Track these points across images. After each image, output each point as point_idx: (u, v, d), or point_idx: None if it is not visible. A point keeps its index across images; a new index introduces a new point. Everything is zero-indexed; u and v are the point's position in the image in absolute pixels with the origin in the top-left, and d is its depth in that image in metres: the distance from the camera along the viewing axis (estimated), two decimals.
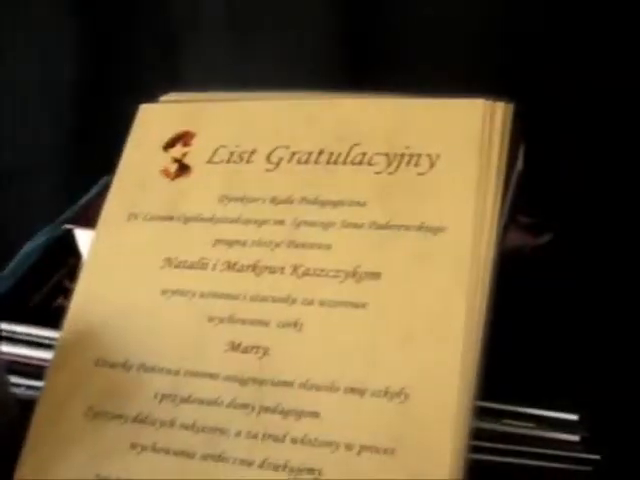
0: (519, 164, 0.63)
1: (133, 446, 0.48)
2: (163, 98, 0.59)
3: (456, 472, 0.44)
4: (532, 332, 0.54)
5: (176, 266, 0.52)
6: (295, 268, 0.50)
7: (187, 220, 0.54)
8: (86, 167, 0.68)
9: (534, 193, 0.60)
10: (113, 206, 0.56)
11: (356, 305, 0.48)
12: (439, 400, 0.45)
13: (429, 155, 0.52)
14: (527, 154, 0.62)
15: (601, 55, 0.77)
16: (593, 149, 0.74)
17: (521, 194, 0.59)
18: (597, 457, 0.49)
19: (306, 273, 0.50)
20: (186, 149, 0.56)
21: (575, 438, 0.49)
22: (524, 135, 0.62)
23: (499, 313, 0.49)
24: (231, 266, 0.51)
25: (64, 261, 0.61)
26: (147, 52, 0.83)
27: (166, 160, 0.56)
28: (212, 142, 0.56)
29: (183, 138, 0.57)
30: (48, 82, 0.87)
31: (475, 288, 0.48)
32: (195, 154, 0.56)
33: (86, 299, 0.53)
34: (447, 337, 0.46)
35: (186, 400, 0.49)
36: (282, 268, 0.50)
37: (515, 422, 0.49)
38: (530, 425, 0.49)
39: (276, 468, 0.46)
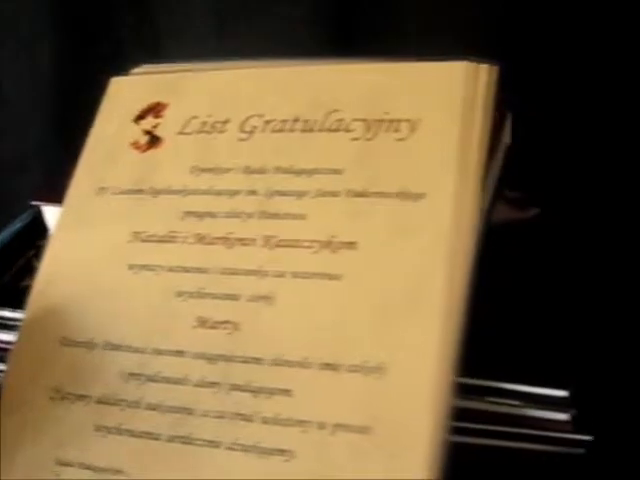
0: (506, 138, 0.60)
1: (97, 428, 0.46)
2: (134, 70, 0.57)
3: (435, 452, 0.41)
4: (519, 306, 0.51)
5: (144, 240, 0.50)
6: (267, 240, 0.47)
7: (157, 193, 0.51)
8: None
9: (522, 167, 0.57)
10: (81, 181, 0.53)
11: (330, 277, 0.46)
12: (417, 376, 0.43)
13: (409, 120, 0.49)
14: (515, 128, 0.59)
15: (592, 29, 0.74)
16: (582, 124, 0.72)
17: (509, 168, 0.57)
18: (589, 438, 0.46)
19: (279, 244, 0.47)
20: (157, 120, 0.54)
21: (565, 417, 0.46)
22: (512, 109, 0.60)
23: (484, 287, 0.46)
24: (201, 239, 0.49)
25: (34, 242, 0.59)
26: (129, 31, 0.81)
27: (137, 132, 0.54)
28: (184, 113, 0.53)
29: (154, 109, 0.54)
30: (30, 73, 0.85)
31: (456, 258, 0.45)
32: (166, 125, 0.53)
33: (51, 277, 0.51)
34: (425, 310, 0.44)
35: (152, 379, 0.46)
36: (254, 240, 0.48)
37: (500, 400, 0.46)
38: (516, 403, 0.46)
39: (245, 449, 0.43)
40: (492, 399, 0.47)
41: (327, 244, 0.46)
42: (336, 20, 0.81)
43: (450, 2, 0.74)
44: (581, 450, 0.46)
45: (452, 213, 0.46)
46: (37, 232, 0.59)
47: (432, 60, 0.52)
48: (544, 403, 0.46)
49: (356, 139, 0.49)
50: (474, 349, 0.44)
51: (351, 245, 0.46)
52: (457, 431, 0.46)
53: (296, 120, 0.51)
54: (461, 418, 0.46)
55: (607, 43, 0.74)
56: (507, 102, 0.59)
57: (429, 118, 0.49)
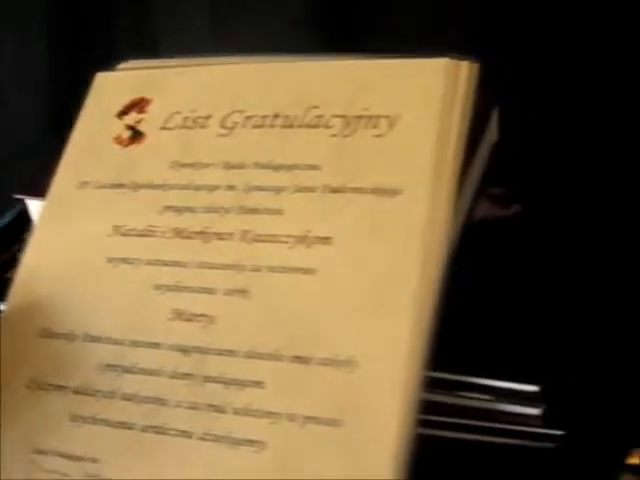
0: (492, 134, 0.60)
1: (73, 418, 0.47)
2: (120, 66, 0.58)
3: (402, 445, 0.42)
4: (494, 302, 0.51)
5: (124, 234, 0.50)
6: (244, 234, 0.48)
7: (137, 187, 0.52)
8: None
9: (507, 164, 0.58)
10: (64, 175, 0.54)
11: (305, 271, 0.46)
12: (387, 370, 0.43)
13: (388, 116, 0.49)
14: (502, 125, 0.59)
15: (575, 27, 0.74)
16: (564, 122, 0.72)
17: (496, 165, 0.57)
18: (560, 432, 0.46)
19: (255, 239, 0.48)
20: (141, 116, 0.54)
21: (535, 412, 0.46)
22: (499, 106, 0.60)
23: (461, 282, 0.47)
24: (179, 233, 0.49)
25: (19, 235, 0.60)
26: (126, 31, 0.82)
27: (120, 127, 0.54)
28: (167, 108, 0.54)
29: (138, 105, 0.55)
30: (26, 73, 0.86)
31: (429, 254, 0.45)
32: (150, 121, 0.54)
33: (32, 269, 0.51)
34: (397, 305, 0.44)
35: (128, 370, 0.47)
36: (231, 234, 0.48)
37: (471, 394, 0.47)
38: (487, 398, 0.46)
39: (216, 440, 0.44)
40: (464, 393, 0.47)
41: (302, 239, 0.47)
42: (330, 19, 0.81)
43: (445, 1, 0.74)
44: (552, 445, 0.46)
45: (427, 210, 0.46)
46: (22, 226, 0.59)
47: (418, 57, 0.52)
48: (515, 398, 0.46)
49: (335, 135, 0.50)
50: (448, 344, 0.44)
51: (326, 240, 0.47)
52: (429, 425, 0.46)
53: (276, 116, 0.51)
54: (434, 412, 0.46)
55: (589, 40, 0.74)
56: (493, 99, 0.59)
57: (408, 114, 0.49)
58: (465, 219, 0.55)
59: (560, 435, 0.46)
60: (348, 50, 0.76)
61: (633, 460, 0.44)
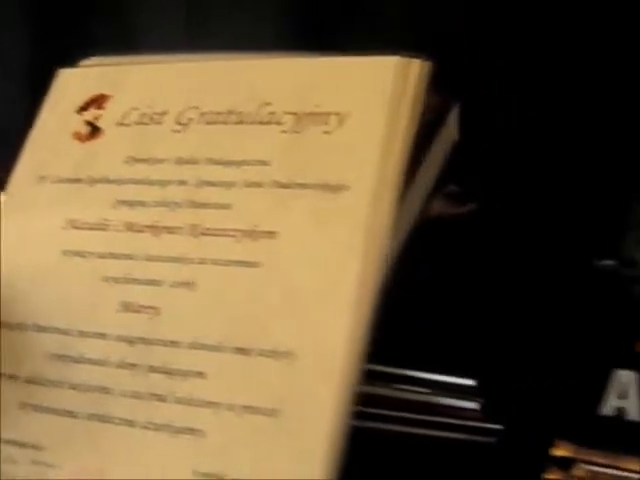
0: (451, 133, 0.61)
1: (22, 406, 0.48)
2: (83, 62, 0.59)
3: (339, 436, 0.42)
4: (435, 298, 0.52)
5: (78, 227, 0.51)
6: (193, 228, 0.49)
7: (93, 182, 0.53)
8: None
9: (462, 162, 0.58)
10: (23, 169, 0.55)
11: (249, 264, 0.47)
12: (325, 362, 0.44)
13: (338, 114, 0.50)
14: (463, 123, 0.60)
15: (532, 24, 0.75)
16: (520, 122, 0.73)
17: (456, 163, 0.58)
18: (499, 427, 0.47)
19: (204, 233, 0.49)
20: (100, 112, 0.55)
21: (474, 406, 0.47)
22: (461, 105, 0.60)
23: (403, 277, 0.48)
24: (130, 227, 0.50)
25: None
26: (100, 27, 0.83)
27: (79, 123, 0.55)
28: (125, 105, 0.55)
29: (97, 101, 0.56)
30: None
31: (371, 250, 0.46)
32: (108, 117, 0.55)
33: None
34: (337, 299, 0.45)
35: (76, 360, 0.48)
36: (180, 228, 0.49)
37: (410, 388, 0.47)
38: (426, 391, 0.47)
39: (158, 428, 0.45)
40: (404, 386, 0.48)
41: (249, 233, 0.48)
42: (304, 16, 0.82)
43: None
44: (492, 439, 0.47)
45: (370, 206, 0.47)
46: None
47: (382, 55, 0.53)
48: (454, 392, 0.47)
49: (285, 132, 0.50)
50: (389, 337, 0.45)
51: (271, 234, 0.47)
52: (369, 417, 0.47)
53: (230, 113, 0.52)
54: (373, 404, 0.47)
55: (551, 41, 0.75)
56: (453, 98, 0.60)
57: (357, 112, 0.50)
58: (419, 216, 0.56)
59: (498, 429, 0.47)
60: (320, 47, 0.77)
61: (557, 452, 0.44)
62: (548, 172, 0.64)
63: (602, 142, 0.65)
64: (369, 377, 0.45)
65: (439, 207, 0.58)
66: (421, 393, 0.47)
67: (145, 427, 0.45)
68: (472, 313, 0.51)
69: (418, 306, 0.50)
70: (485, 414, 0.46)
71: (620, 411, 0.45)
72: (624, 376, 0.45)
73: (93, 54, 0.65)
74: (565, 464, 0.42)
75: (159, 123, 0.53)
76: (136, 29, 0.83)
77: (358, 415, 0.43)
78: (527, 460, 0.45)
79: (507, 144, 0.69)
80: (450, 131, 0.60)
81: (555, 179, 0.62)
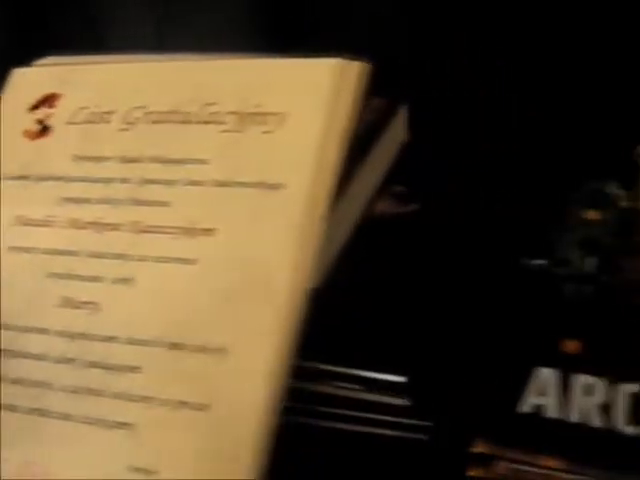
0: (399, 134, 0.62)
1: None
2: (37, 62, 0.59)
3: (267, 431, 0.43)
4: (363, 295, 0.53)
5: (25, 224, 0.52)
6: (134, 225, 0.50)
7: (41, 179, 0.53)
8: None
9: (409, 163, 0.59)
10: None
11: (187, 261, 0.48)
12: (255, 359, 0.45)
13: (278, 114, 0.51)
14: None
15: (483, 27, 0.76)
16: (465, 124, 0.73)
17: (401, 164, 0.58)
18: (428, 424, 0.47)
19: (144, 230, 0.50)
20: (51, 111, 0.56)
21: (404, 402, 0.47)
22: (410, 106, 0.61)
23: (345, 276, 0.48)
24: (74, 223, 0.51)
25: None
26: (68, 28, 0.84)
27: (30, 121, 0.56)
28: (75, 104, 0.56)
29: (49, 100, 0.57)
30: None
31: (303, 249, 0.47)
32: (58, 115, 0.56)
33: None
34: (269, 296, 0.46)
35: (19, 355, 0.49)
36: (122, 225, 0.50)
37: (341, 384, 0.48)
38: (357, 387, 0.48)
39: (93, 423, 0.46)
40: (334, 383, 0.48)
41: (187, 230, 0.49)
42: (273, 18, 0.82)
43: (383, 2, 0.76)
44: (422, 436, 0.48)
45: (304, 204, 0.48)
46: None
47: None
48: (384, 389, 0.48)
49: (226, 131, 0.51)
50: (320, 334, 0.46)
51: (209, 232, 0.48)
52: (300, 413, 0.48)
53: (175, 112, 0.53)
54: (304, 401, 0.48)
55: (498, 45, 0.75)
56: (401, 99, 0.60)
57: (296, 112, 0.51)
58: (363, 214, 0.56)
59: (427, 426, 0.47)
60: (290, 49, 0.78)
61: (477, 449, 0.45)
62: (486, 173, 0.64)
63: (539, 143, 0.65)
64: (300, 373, 0.46)
65: (383, 207, 0.59)
66: (351, 390, 0.48)
67: (81, 422, 0.46)
68: (403, 311, 0.52)
69: (349, 303, 0.51)
70: (414, 411, 0.47)
71: (539, 409, 0.46)
72: (544, 373, 0.46)
73: (60, 53, 0.66)
74: (486, 461, 0.43)
75: (107, 122, 0.54)
76: (104, 27, 0.84)
77: (289, 411, 0.44)
78: (453, 457, 0.46)
79: (448, 145, 0.70)
80: (397, 132, 0.61)
81: (493, 180, 0.63)
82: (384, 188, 0.59)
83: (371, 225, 0.55)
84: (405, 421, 0.48)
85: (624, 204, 0.56)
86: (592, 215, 0.55)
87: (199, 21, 0.81)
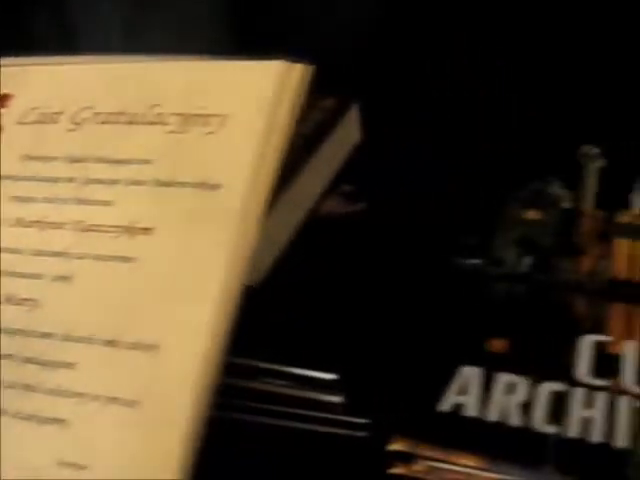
0: (350, 134, 0.62)
1: None
2: None
3: (196, 427, 0.44)
4: (296, 291, 0.53)
5: None
6: (76, 224, 0.51)
7: None
8: None
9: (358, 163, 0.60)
10: None
11: (125, 260, 0.49)
12: (187, 355, 0.45)
13: (221, 115, 0.52)
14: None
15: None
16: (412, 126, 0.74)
17: (352, 163, 0.59)
18: (361, 420, 0.48)
19: (86, 229, 0.50)
20: (2, 111, 0.57)
21: (337, 399, 0.48)
22: (364, 108, 0.62)
23: (276, 273, 0.49)
24: (19, 222, 0.52)
25: None
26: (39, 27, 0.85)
27: None
28: (26, 104, 0.57)
29: (1, 100, 0.57)
30: None
31: (239, 248, 0.48)
32: (9, 115, 0.57)
33: None
34: (203, 294, 0.46)
35: None
36: (64, 224, 0.51)
37: (274, 381, 0.49)
38: (289, 384, 0.49)
39: (26, 418, 0.46)
40: (268, 380, 0.49)
41: (127, 229, 0.49)
42: (238, 18, 0.83)
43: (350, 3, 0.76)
44: (358, 432, 0.48)
45: (241, 205, 0.49)
46: None
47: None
48: (317, 386, 0.49)
49: (170, 132, 0.52)
50: (254, 331, 0.46)
51: (147, 231, 0.49)
52: (233, 409, 0.48)
53: (121, 113, 0.54)
54: (238, 397, 0.48)
55: (444, 50, 0.76)
56: (352, 100, 0.61)
57: (238, 114, 0.52)
58: (308, 214, 0.57)
59: (360, 423, 0.48)
60: (253, 49, 0.79)
61: (395, 446, 0.46)
62: (423, 173, 0.65)
63: (475, 142, 0.66)
64: (234, 370, 0.47)
65: (332, 206, 0.60)
66: (285, 386, 0.49)
67: (15, 417, 0.47)
68: (336, 308, 0.52)
69: (285, 301, 0.52)
70: (347, 408, 0.48)
71: (458, 407, 0.46)
72: (468, 372, 0.46)
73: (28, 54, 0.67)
74: (407, 459, 0.44)
75: (55, 122, 0.55)
76: (76, 31, 0.85)
77: (221, 407, 0.45)
78: (378, 454, 0.46)
79: (394, 144, 0.70)
80: (347, 132, 0.62)
81: (430, 180, 0.63)
82: (333, 187, 0.59)
83: (316, 224, 0.56)
84: (338, 417, 0.48)
85: (566, 204, 0.56)
86: (532, 215, 0.55)
87: (167, 21, 0.82)
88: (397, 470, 0.44)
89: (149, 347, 0.46)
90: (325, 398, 0.49)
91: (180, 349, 0.46)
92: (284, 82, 0.52)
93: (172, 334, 0.46)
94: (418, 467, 0.43)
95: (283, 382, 0.49)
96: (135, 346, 0.46)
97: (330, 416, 0.49)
